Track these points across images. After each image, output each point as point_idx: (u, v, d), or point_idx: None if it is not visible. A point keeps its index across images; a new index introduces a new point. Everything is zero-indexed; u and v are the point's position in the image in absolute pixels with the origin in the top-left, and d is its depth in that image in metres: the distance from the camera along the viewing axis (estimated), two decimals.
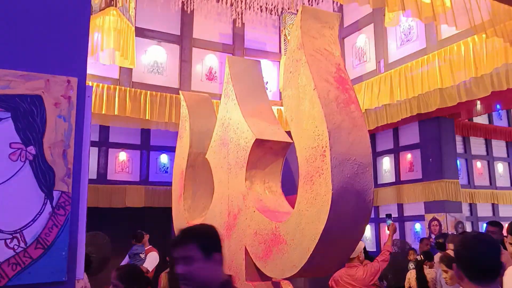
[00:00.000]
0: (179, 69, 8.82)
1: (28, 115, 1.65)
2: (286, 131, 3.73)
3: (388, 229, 4.99)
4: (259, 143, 3.53)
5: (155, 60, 8.67)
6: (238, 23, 8.72)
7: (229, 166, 3.88)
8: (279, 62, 9.23)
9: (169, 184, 6.53)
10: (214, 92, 8.30)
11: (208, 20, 9.17)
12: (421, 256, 5.81)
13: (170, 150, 9.78)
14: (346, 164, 2.70)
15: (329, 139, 2.68)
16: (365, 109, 7.26)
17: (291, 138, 3.56)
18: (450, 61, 5.58)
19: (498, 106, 11.52)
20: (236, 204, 3.72)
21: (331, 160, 2.65)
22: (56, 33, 1.69)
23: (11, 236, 1.58)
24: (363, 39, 8.59)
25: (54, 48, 1.67)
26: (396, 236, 9.25)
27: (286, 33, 8.31)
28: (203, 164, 4.72)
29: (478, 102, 9.40)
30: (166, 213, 9.70)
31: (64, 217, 1.63)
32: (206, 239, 1.76)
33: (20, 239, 1.58)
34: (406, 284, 5.90)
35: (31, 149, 1.64)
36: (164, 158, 10.18)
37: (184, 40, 8.95)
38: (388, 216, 5.15)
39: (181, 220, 4.88)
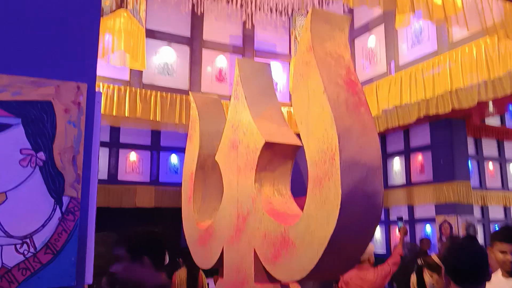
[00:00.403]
0: (189, 71, 8.86)
1: (39, 121, 1.66)
2: (296, 134, 3.73)
3: (399, 232, 4.97)
4: (268, 146, 3.54)
5: (165, 61, 8.72)
6: (248, 24, 8.75)
7: (239, 168, 3.89)
8: (289, 63, 9.23)
9: (179, 184, 6.55)
10: (224, 94, 8.34)
11: (218, 21, 9.21)
12: (422, 260, 5.77)
13: (180, 150, 9.83)
14: (355, 167, 2.70)
15: (339, 143, 2.67)
16: (381, 110, 7.24)
17: (301, 141, 3.55)
18: (461, 63, 5.55)
19: (511, 107, 11.41)
20: (245, 206, 3.72)
21: (341, 163, 2.65)
22: (66, 38, 1.72)
23: (21, 242, 1.60)
24: (374, 41, 8.57)
25: (64, 53, 1.70)
26: (407, 238, 9.20)
27: (297, 35, 8.33)
28: (213, 166, 4.73)
29: (491, 103, 9.34)
30: (176, 213, 9.76)
31: (73, 222, 1.64)
32: (135, 242, 2.02)
33: (30, 244, 1.60)
34: (411, 287, 5.87)
35: (41, 155, 1.65)
36: (174, 159, 10.23)
37: (194, 42, 9.00)
38: (399, 219, 5.14)
39: (190, 221, 4.90)
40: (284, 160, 3.65)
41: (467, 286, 2.15)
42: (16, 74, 1.62)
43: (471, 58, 5.34)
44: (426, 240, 8.91)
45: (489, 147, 13.00)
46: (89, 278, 1.63)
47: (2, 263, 1.56)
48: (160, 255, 2.00)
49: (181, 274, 6.89)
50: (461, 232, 9.06)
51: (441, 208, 9.77)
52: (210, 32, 9.08)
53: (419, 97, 6.17)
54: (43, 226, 1.60)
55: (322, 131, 2.77)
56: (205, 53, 8.98)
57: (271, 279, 3.43)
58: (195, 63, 8.66)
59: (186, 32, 8.88)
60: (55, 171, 1.64)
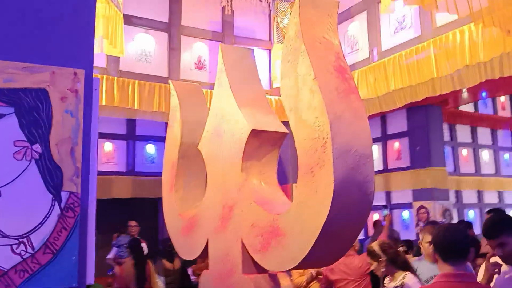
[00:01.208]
0: (167, 58, 8.65)
1: (33, 111, 1.54)
2: (282, 122, 3.67)
3: (384, 220, 5.00)
4: (255, 134, 3.47)
5: (143, 48, 8.50)
6: (228, 10, 8.57)
7: (223, 157, 3.81)
8: (270, 50, 9.12)
9: (156, 174, 6.41)
10: (203, 81, 8.18)
11: (197, 7, 8.99)
12: (404, 246, 5.77)
13: (157, 140, 9.65)
14: (347, 155, 2.66)
15: (331, 130, 2.62)
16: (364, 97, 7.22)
17: (288, 128, 3.50)
18: (445, 49, 5.55)
19: (484, 94, 11.58)
20: (231, 196, 3.65)
21: (333, 151, 2.60)
22: (61, 22, 1.58)
23: (17, 241, 1.48)
24: (356, 27, 8.51)
25: (59, 38, 1.56)
26: None
27: (278, 21, 8.20)
28: (195, 154, 4.64)
29: (465, 90, 9.45)
30: (153, 203, 9.62)
31: (74, 219, 1.53)
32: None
33: (27, 244, 1.49)
34: None
35: (37, 147, 1.53)
36: (150, 148, 10.05)
37: (172, 28, 8.78)
38: (384, 206, 5.16)
39: (172, 211, 4.80)
40: (271, 148, 3.59)
41: (452, 261, 2.58)
42: (8, 60, 1.48)
43: (455, 45, 5.37)
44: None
45: (463, 133, 13.24)
46: (90, 278, 1.53)
47: None
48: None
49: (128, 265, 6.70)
50: (438, 217, 9.21)
51: (418, 194, 9.91)
52: (188, 18, 8.84)
53: (404, 84, 6.17)
54: (41, 224, 1.48)
55: (313, 118, 2.72)
56: (184, 39, 8.75)
57: (260, 269, 3.38)
58: (173, 50, 8.43)
59: (164, 18, 8.63)
60: (53, 164, 1.52)
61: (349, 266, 4.50)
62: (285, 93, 3.04)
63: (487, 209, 8.05)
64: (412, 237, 9.24)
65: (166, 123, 6.90)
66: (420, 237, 4.28)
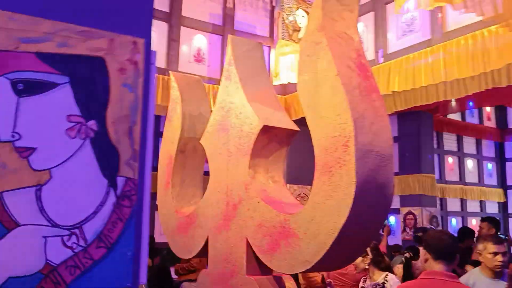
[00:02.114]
0: (166, 49, 8.42)
1: (89, 82, 1.33)
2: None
3: (383, 230, 5.05)
4: (266, 130, 3.35)
5: None
6: (229, 3, 8.39)
7: (229, 153, 3.68)
8: (269, 47, 8.98)
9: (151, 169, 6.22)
10: (202, 75, 7.98)
11: None
12: (410, 253, 5.69)
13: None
14: (369, 155, 2.56)
15: (354, 129, 2.52)
16: None
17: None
18: (456, 54, 5.49)
19: (470, 104, 11.66)
20: (236, 193, 3.52)
21: (356, 151, 2.50)
22: None
23: (68, 232, 1.28)
24: (361, 28, 8.39)
25: (118, 0, 1.37)
26: None
27: (284, 17, 8.04)
28: (194, 149, 4.50)
29: (453, 99, 9.49)
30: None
31: (130, 209, 1.33)
32: None
33: (79, 236, 1.29)
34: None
35: (93, 124, 1.32)
36: None
37: (172, 18, 8.55)
38: None
39: (168, 208, 4.64)
40: (280, 146, 3.47)
41: (443, 261, 2.91)
42: (62, 21, 1.28)
43: (467, 50, 5.30)
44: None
45: (450, 141, 13.34)
46: (143, 277, 1.36)
47: (46, 259, 1.22)
48: None
49: None
50: (425, 224, 9.22)
51: (405, 200, 9.92)
52: (189, 8, 8.63)
53: (408, 86, 6.10)
54: (95, 213, 1.28)
55: (334, 116, 2.61)
56: (184, 30, 8.53)
57: (264, 270, 3.26)
58: (173, 41, 8.22)
59: (165, 7, 8.39)
60: (109, 145, 1.32)
61: (344, 273, 4.44)
62: (302, 89, 2.93)
63: (469, 218, 8.06)
64: (399, 242, 9.23)
65: (160, 116, 6.70)
66: (481, 247, 3.92)
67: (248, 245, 3.28)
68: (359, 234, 2.63)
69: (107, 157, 1.34)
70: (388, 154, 2.62)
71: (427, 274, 2.92)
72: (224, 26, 8.92)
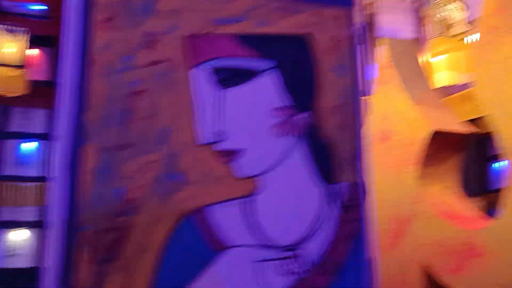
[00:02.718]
0: None
1: (296, 67, 1.07)
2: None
3: None
4: (436, 136, 2.99)
5: None
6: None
7: (392, 164, 3.36)
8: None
9: None
10: None
11: None
12: None
13: None
14: None
15: None
16: None
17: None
18: None
19: None
20: (405, 208, 3.19)
21: None
22: None
23: (286, 254, 1.02)
24: None
25: None
26: None
27: (434, 14, 7.37)
28: None
29: None
30: None
31: (357, 222, 1.06)
32: None
33: (300, 258, 1.02)
34: None
35: (304, 118, 1.07)
36: None
37: None
38: None
39: None
40: (454, 151, 3.08)
41: None
42: None
43: None
44: None
45: None
46: None
47: None
48: None
49: None
50: None
51: None
52: None
53: None
54: (314, 230, 1.02)
55: None
56: None
57: None
58: None
59: None
60: (325, 143, 1.07)
61: None
62: (482, 83, 2.54)
63: None
64: None
65: None
66: None
67: (424, 266, 2.92)
68: None
69: (324, 158, 1.08)
70: None
71: None
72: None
